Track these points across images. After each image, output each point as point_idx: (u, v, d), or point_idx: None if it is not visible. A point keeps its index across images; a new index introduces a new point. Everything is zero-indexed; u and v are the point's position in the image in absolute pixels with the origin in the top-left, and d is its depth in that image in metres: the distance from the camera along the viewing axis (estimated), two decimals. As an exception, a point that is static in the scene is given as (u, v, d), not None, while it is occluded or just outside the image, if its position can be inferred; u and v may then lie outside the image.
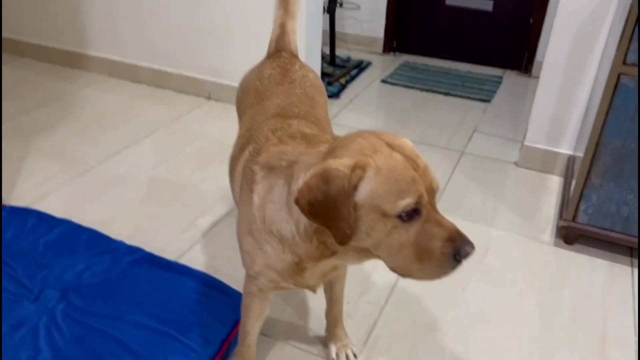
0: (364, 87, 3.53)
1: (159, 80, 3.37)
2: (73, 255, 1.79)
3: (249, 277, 1.29)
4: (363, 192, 0.96)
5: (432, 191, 0.98)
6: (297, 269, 1.18)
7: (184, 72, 3.28)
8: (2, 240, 1.84)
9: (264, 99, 1.52)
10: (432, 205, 0.98)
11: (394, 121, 3.07)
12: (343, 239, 0.99)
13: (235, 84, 3.12)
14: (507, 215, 2.25)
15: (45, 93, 3.25)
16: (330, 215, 0.98)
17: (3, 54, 3.77)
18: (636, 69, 1.68)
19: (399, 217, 0.95)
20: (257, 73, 1.65)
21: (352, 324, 1.71)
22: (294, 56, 1.74)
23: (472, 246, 0.98)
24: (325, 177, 0.96)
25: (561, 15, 2.26)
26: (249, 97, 1.58)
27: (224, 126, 2.91)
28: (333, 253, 1.10)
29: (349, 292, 1.81)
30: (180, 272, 1.73)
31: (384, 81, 3.60)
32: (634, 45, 1.65)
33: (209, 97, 3.26)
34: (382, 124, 3.04)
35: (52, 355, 1.44)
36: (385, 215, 0.96)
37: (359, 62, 3.87)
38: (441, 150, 2.75)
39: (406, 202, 0.95)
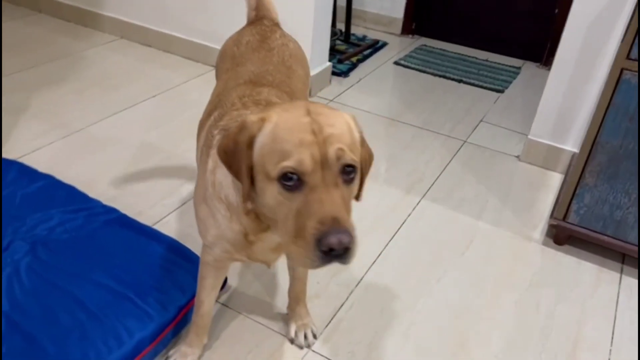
0: (376, 67, 3.44)
1: (168, 44, 3.34)
2: (48, 210, 1.79)
3: (205, 247, 1.27)
4: (257, 147, 0.94)
5: (327, 163, 0.89)
6: (246, 241, 1.14)
7: (193, 38, 3.25)
8: (-19, 190, 1.85)
9: (239, 65, 1.49)
10: (325, 179, 0.89)
11: (399, 104, 2.99)
12: (244, 197, 0.97)
13: (243, 54, 3.11)
14: (498, 209, 2.18)
15: (54, 49, 3.25)
16: (237, 168, 0.97)
17: (19, 9, 3.78)
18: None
19: (282, 183, 0.90)
20: (235, 38, 1.63)
21: (319, 303, 1.68)
22: (276, 24, 1.70)
23: (339, 237, 0.85)
24: (241, 127, 0.96)
25: (577, 6, 2.15)
26: (225, 63, 1.56)
27: (225, 96, 2.86)
28: (268, 226, 1.07)
29: (321, 271, 1.78)
30: (150, 236, 1.72)
31: (396, 63, 3.51)
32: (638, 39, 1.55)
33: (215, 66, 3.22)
34: (386, 105, 2.96)
35: (9, 306, 1.44)
36: (268, 177, 0.92)
37: (374, 41, 3.77)
38: (442, 138, 2.67)
39: (283, 164, 0.89)
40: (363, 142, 1.02)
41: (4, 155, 2.12)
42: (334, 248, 0.86)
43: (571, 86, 2.29)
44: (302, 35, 2.57)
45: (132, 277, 1.55)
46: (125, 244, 1.68)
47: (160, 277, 1.57)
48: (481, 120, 2.87)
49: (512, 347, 1.58)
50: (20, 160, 2.13)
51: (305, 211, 0.89)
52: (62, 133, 2.42)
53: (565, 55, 2.27)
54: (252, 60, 1.48)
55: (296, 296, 1.55)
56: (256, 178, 0.96)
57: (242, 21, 3.12)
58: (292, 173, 0.89)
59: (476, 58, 3.68)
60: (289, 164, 0.89)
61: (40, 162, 2.14)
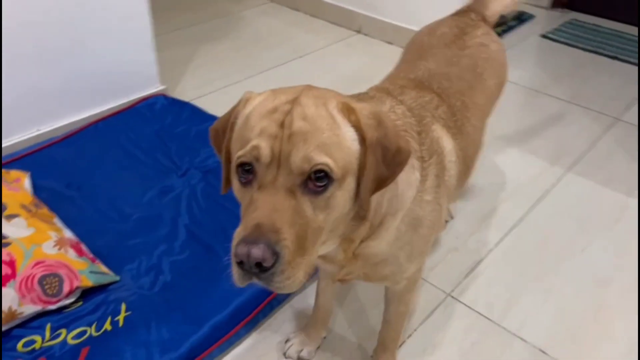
0: (521, 39, 3.33)
1: (315, 9, 3.49)
2: (217, 146, 2.01)
3: None
4: (235, 130, 0.85)
5: (286, 163, 0.76)
6: None
7: (339, 3, 3.36)
8: (162, 123, 2.12)
9: (421, 57, 1.34)
10: (277, 180, 0.76)
11: (545, 76, 2.89)
12: (223, 184, 0.91)
13: (388, 19, 3.17)
14: (652, 189, 2.07)
15: (210, 11, 3.54)
16: (219, 150, 0.90)
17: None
18: None
19: (239, 174, 0.80)
20: (432, 27, 1.47)
21: (457, 256, 1.74)
22: (484, 21, 1.47)
23: (248, 249, 0.72)
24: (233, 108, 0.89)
25: None
26: (411, 51, 1.44)
27: (362, 62, 2.96)
28: None
29: (460, 226, 1.84)
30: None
31: (544, 36, 3.37)
32: None
33: (359, 31, 3.32)
34: (531, 77, 2.88)
35: (189, 220, 1.67)
36: (234, 169, 0.82)
37: (520, 13, 3.64)
38: (592, 113, 2.55)
39: (239, 153, 0.79)
40: (369, 140, 0.81)
41: (178, 97, 2.39)
42: (242, 261, 0.73)
43: None
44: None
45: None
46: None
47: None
48: (635, 100, 2.69)
49: (660, 323, 1.53)
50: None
51: (243, 213, 0.78)
52: (223, 83, 2.66)
53: None
54: (437, 57, 1.32)
55: (383, 341, 1.33)
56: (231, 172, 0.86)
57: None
58: (247, 164, 0.79)
59: (633, 35, 3.42)
60: (242, 152, 0.78)
61: (205, 106, 2.38)
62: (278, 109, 0.80)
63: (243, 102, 0.87)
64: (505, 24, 3.46)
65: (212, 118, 2.19)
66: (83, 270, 1.38)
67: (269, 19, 3.48)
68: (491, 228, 1.86)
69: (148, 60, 2.24)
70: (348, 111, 0.82)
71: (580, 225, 1.88)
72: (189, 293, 1.43)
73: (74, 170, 1.84)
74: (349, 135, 0.81)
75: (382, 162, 0.83)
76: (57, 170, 1.83)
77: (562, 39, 3.32)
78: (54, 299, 1.33)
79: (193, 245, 1.58)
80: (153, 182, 1.82)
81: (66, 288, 1.34)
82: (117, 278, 1.45)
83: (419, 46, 1.42)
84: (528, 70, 2.97)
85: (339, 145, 0.79)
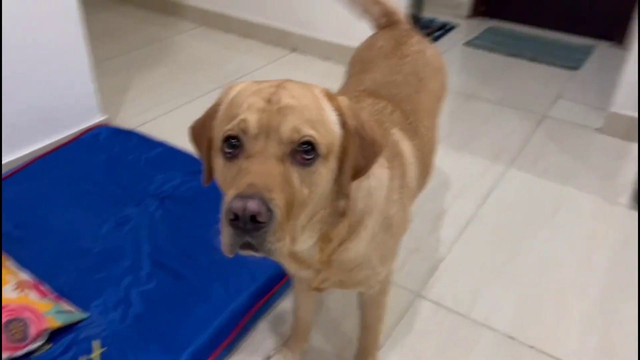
0: (446, 48, 3.51)
1: (248, 30, 3.52)
2: (170, 172, 1.98)
3: None
4: (217, 118, 0.87)
5: (275, 134, 0.78)
6: None
7: (272, 23, 3.41)
8: (110, 154, 2.06)
9: (365, 71, 1.39)
10: (266, 149, 0.77)
11: (474, 81, 3.07)
12: (205, 178, 0.93)
13: (322, 37, 3.25)
14: (583, 176, 2.23)
15: (144, 36, 3.49)
16: (200, 145, 0.91)
17: (106, 0, 4.05)
18: None
19: (224, 152, 0.81)
20: (368, 42, 1.54)
21: (420, 256, 1.80)
22: (413, 29, 1.56)
23: (245, 202, 0.71)
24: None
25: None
26: (355, 67, 1.49)
27: (303, 80, 2.99)
28: None
29: (419, 226, 1.90)
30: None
31: (467, 43, 3.58)
32: None
33: (295, 49, 3.38)
34: (462, 83, 3.04)
35: (151, 248, 1.63)
36: (217, 149, 0.84)
37: (443, 23, 3.85)
38: (522, 112, 2.74)
39: (225, 128, 0.80)
40: (349, 126, 0.85)
41: (121, 125, 2.33)
42: (237, 214, 0.72)
43: (657, 57, 2.32)
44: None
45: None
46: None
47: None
48: (558, 97, 2.91)
49: (609, 299, 1.66)
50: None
51: (232, 181, 0.77)
52: (165, 109, 2.62)
53: (651, 27, 2.29)
54: (380, 68, 1.37)
55: (364, 347, 1.36)
56: (213, 159, 0.87)
57: (321, 5, 3.24)
58: (233, 137, 0.79)
59: (547, 38, 3.70)
60: (230, 126, 0.79)
61: (150, 133, 2.33)
62: (263, 90, 0.82)
63: (225, 91, 0.89)
64: (431, 34, 3.64)
65: (161, 145, 2.16)
66: (48, 311, 1.32)
67: (202, 42, 3.47)
68: (447, 226, 1.94)
69: (87, 91, 2.17)
70: (330, 97, 0.87)
71: (526, 216, 2.01)
72: (163, 322, 1.39)
73: (21, 210, 1.75)
74: (332, 118, 0.85)
75: (359, 152, 0.86)
76: (2, 211, 1.73)
77: (484, 45, 3.54)
78: (21, 344, 1.25)
79: (160, 273, 1.54)
80: (108, 213, 1.76)
81: (33, 332, 1.27)
82: (86, 315, 1.39)
83: (361, 62, 1.47)
84: (457, 77, 3.13)
85: (323, 123, 0.83)
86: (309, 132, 0.79)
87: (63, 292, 1.45)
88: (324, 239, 0.96)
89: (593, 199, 2.10)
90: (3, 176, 1.89)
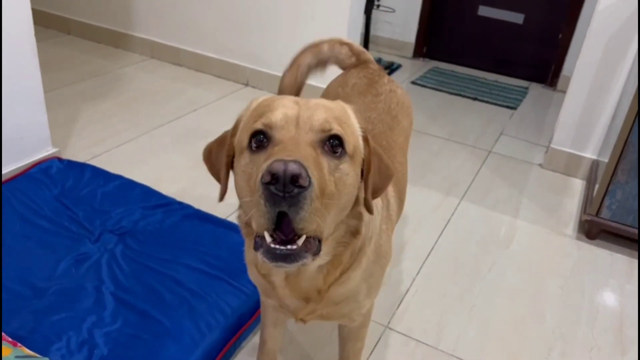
0: (394, 86, 3.65)
1: (200, 64, 3.51)
2: (129, 206, 1.91)
3: None
4: (239, 128, 0.88)
5: (305, 125, 0.80)
6: (265, 280, 1.01)
7: (224, 57, 3.42)
8: (63, 188, 1.97)
9: None
10: (297, 136, 0.79)
11: (423, 117, 3.19)
12: (221, 191, 0.93)
13: (274, 72, 3.29)
14: (531, 209, 2.36)
15: (89, 68, 3.40)
16: (218, 163, 0.91)
17: (49, 30, 3.93)
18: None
19: (250, 148, 0.82)
20: (340, 80, 1.58)
21: (386, 289, 1.82)
22: (382, 69, 1.62)
23: (285, 164, 0.70)
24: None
25: (595, 23, 2.39)
26: None
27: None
28: None
29: (382, 262, 1.93)
30: (229, 227, 1.85)
31: (413, 82, 3.74)
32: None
33: (246, 84, 3.40)
34: (412, 120, 3.16)
35: (114, 287, 1.55)
36: (241, 149, 0.84)
37: (389, 63, 4.01)
38: (469, 148, 2.87)
39: (253, 126, 0.82)
40: (368, 141, 0.90)
41: (71, 158, 2.24)
42: (277, 175, 0.69)
43: (589, 98, 2.52)
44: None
45: (221, 262, 1.68)
46: (207, 234, 1.81)
47: (247, 262, 1.70)
48: (501, 133, 3.09)
49: (565, 323, 1.74)
50: (85, 164, 2.25)
51: (258, 169, 0.75)
52: (116, 142, 2.55)
53: (583, 70, 2.49)
54: (356, 104, 1.36)
55: None
56: (234, 164, 0.87)
57: (273, 40, 3.28)
58: (261, 132, 0.80)
59: (486, 79, 3.94)
60: (258, 124, 0.81)
61: (104, 166, 2.25)
62: (290, 97, 0.85)
63: (246, 107, 0.91)
64: (379, 73, 3.77)
65: (117, 178, 2.08)
66: (7, 357, 1.22)
67: (152, 75, 3.42)
68: (409, 259, 1.99)
69: (40, 121, 2.08)
70: (357, 113, 0.91)
71: (482, 247, 2.09)
72: (132, 364, 1.32)
73: (-35, 248, 1.63)
74: (357, 128, 0.89)
75: (377, 171, 0.90)
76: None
77: (429, 85, 3.71)
78: (-24, 395, 1.15)
79: (124, 312, 1.47)
80: (65, 251, 1.67)
81: (-11, 380, 1.17)
82: (46, 360, 1.30)
83: (336, 97, 1.49)
84: (407, 113, 3.26)
85: (350, 126, 0.87)
86: (337, 127, 0.81)
87: (18, 336, 1.35)
88: (334, 262, 0.95)
89: (542, 230, 2.22)
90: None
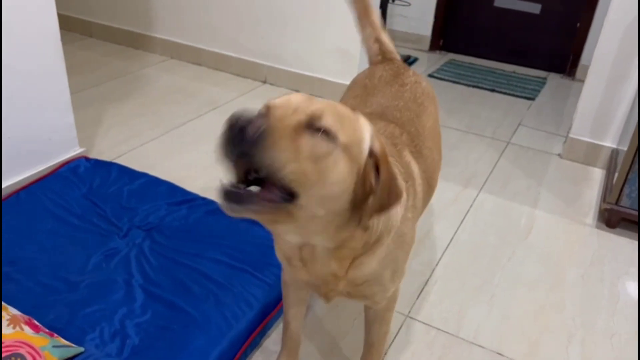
0: (411, 80, 3.67)
1: (218, 63, 3.57)
2: (154, 202, 1.97)
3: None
4: None
5: (304, 111, 0.82)
6: (287, 260, 1.07)
7: (242, 56, 3.47)
8: (91, 186, 2.04)
9: (370, 94, 1.49)
10: (284, 115, 0.81)
11: (440, 111, 3.18)
12: None
13: (292, 69, 3.33)
14: (550, 199, 2.37)
15: (111, 70, 3.48)
16: None
17: (71, 34, 4.02)
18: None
19: None
20: (367, 73, 1.64)
21: (406, 279, 1.82)
22: (406, 65, 1.69)
23: (247, 116, 0.77)
24: None
25: (612, 12, 2.38)
26: (355, 90, 1.57)
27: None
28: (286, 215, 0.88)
29: (402, 253, 1.96)
30: (251, 221, 1.90)
31: (430, 75, 3.75)
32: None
33: (265, 81, 3.45)
34: (430, 113, 3.17)
35: (143, 280, 1.61)
36: None
37: (406, 57, 4.02)
38: (487, 140, 2.88)
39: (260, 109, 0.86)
40: (377, 156, 0.89)
41: (97, 157, 2.31)
42: (232, 123, 0.77)
43: (608, 87, 2.51)
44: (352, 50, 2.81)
45: (245, 255, 1.73)
46: (231, 229, 1.86)
47: (271, 254, 1.73)
48: (519, 124, 3.08)
49: (585, 311, 1.76)
50: (111, 163, 2.33)
51: None
52: (139, 141, 2.62)
53: (601, 59, 2.48)
54: (383, 93, 1.47)
55: None
56: None
57: (291, 38, 3.32)
58: (261, 114, 0.84)
59: (503, 70, 3.93)
60: (262, 107, 0.86)
61: (129, 165, 2.32)
62: (304, 95, 0.87)
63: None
64: (396, 67, 3.79)
65: (143, 175, 2.15)
66: (45, 346, 1.28)
67: (172, 75, 3.49)
68: (429, 249, 2.01)
69: (67, 122, 2.15)
70: (370, 125, 0.91)
71: (501, 238, 2.10)
72: (162, 353, 1.38)
73: (2, 245, 1.70)
74: (365, 136, 0.88)
75: (385, 189, 0.88)
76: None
77: (446, 77, 3.72)
78: (19, 382, 1.22)
79: (154, 305, 1.53)
80: (95, 246, 1.73)
81: (30, 368, 1.23)
82: (82, 349, 1.36)
83: (363, 87, 1.55)
84: (424, 107, 3.27)
85: (351, 129, 0.86)
86: (330, 119, 0.82)
87: (54, 327, 1.42)
88: (342, 249, 0.96)
89: (561, 220, 2.23)
90: (-19, 211, 1.84)
